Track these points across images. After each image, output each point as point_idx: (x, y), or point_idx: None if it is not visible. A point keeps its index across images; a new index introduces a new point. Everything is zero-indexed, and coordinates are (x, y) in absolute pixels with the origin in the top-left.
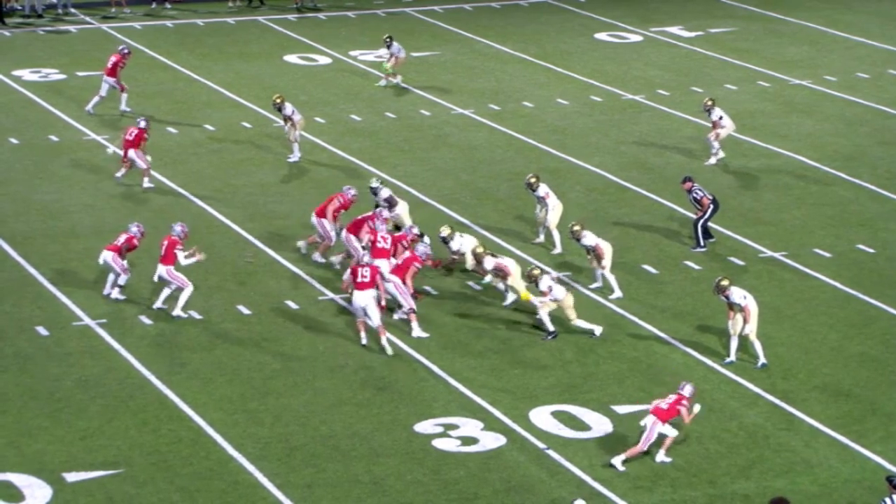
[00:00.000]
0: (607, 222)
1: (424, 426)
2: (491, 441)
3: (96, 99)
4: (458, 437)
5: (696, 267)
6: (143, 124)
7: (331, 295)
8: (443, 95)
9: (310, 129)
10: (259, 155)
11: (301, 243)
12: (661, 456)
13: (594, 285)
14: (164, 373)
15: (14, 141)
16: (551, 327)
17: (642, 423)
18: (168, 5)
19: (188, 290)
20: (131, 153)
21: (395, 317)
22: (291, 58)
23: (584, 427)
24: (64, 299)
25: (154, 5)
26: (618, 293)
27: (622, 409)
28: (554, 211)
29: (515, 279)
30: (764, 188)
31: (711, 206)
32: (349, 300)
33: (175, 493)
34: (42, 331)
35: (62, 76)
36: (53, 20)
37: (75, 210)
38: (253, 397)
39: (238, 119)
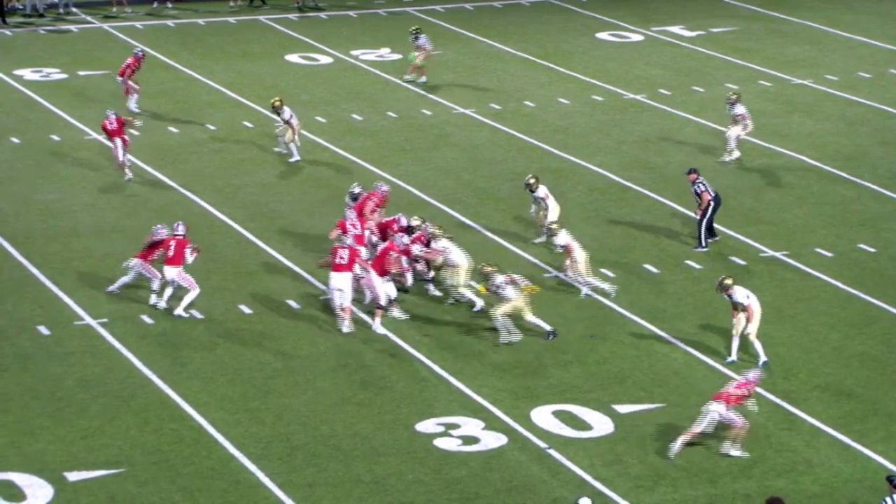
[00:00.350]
0: (609, 222)
1: (426, 426)
2: (492, 440)
3: (135, 97)
4: (460, 436)
5: (698, 266)
6: (112, 117)
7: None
8: (444, 95)
9: (311, 128)
10: (260, 154)
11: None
12: (732, 449)
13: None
14: (165, 372)
15: (15, 140)
16: (547, 326)
17: (705, 408)
18: (169, 5)
19: (195, 292)
20: (118, 142)
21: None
22: (293, 57)
23: (585, 427)
24: (65, 299)
25: (155, 5)
26: (585, 292)
27: (623, 409)
28: (553, 212)
29: (460, 272)
30: (765, 188)
31: (711, 203)
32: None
33: (176, 493)
34: (43, 330)
35: (63, 76)
36: (55, 19)
37: (77, 209)
38: (254, 397)
39: (239, 118)
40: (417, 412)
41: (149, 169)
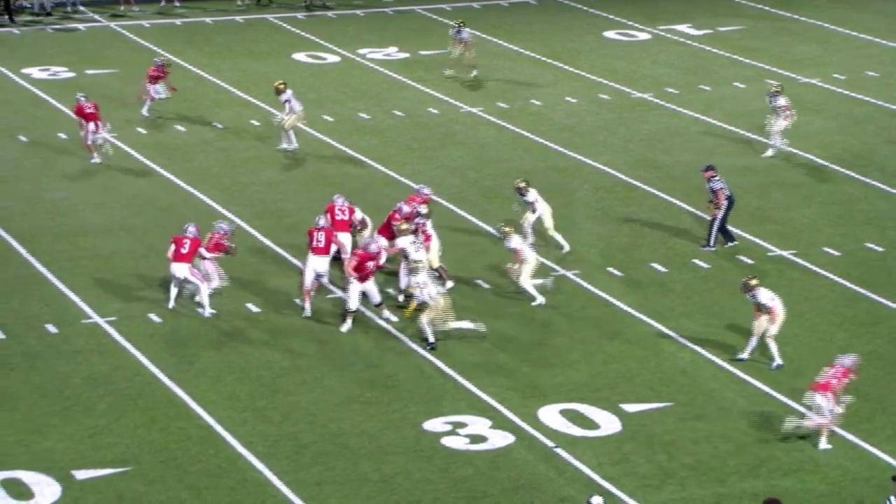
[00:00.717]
0: (615, 220)
1: (433, 424)
2: (499, 439)
3: (163, 95)
4: (467, 435)
5: (705, 265)
6: (82, 100)
7: (339, 293)
8: (451, 93)
9: (318, 126)
10: (267, 153)
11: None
12: (822, 442)
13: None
14: (172, 371)
15: (23, 139)
16: (431, 338)
17: (811, 400)
18: (177, 3)
19: (206, 286)
20: (91, 126)
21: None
22: (300, 56)
23: (592, 426)
24: (73, 297)
25: (163, 3)
26: (540, 300)
27: (631, 408)
28: (546, 215)
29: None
30: (772, 187)
31: (726, 203)
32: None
33: (184, 491)
34: (51, 328)
35: (71, 74)
36: (62, 18)
37: (84, 208)
38: (262, 395)
39: (246, 117)
40: (425, 411)
41: (156, 167)
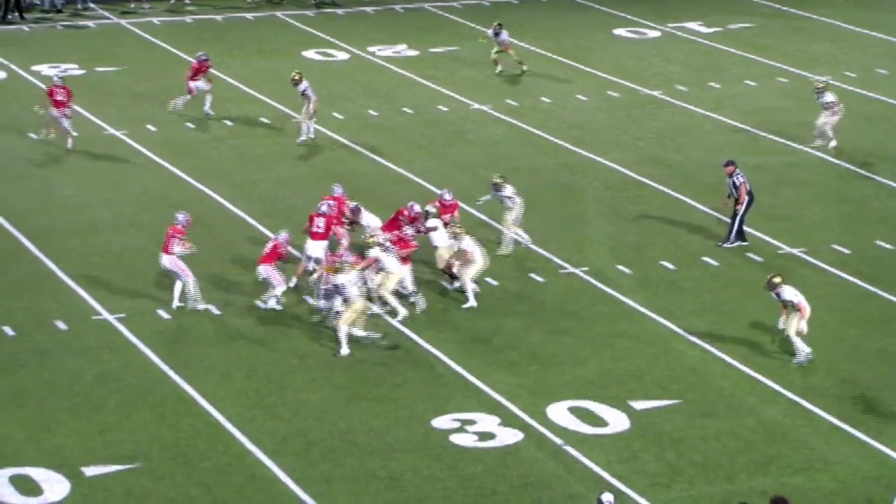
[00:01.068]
0: (625, 218)
1: (441, 422)
2: (508, 437)
3: (205, 88)
4: (475, 432)
5: (714, 263)
6: (57, 81)
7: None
8: (461, 91)
9: (328, 124)
10: (277, 150)
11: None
12: None
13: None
14: (182, 368)
15: (33, 136)
16: (345, 348)
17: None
18: (187, 0)
19: (191, 280)
20: (55, 112)
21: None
22: (310, 53)
23: (601, 423)
24: (82, 294)
25: (173, 1)
26: (472, 303)
27: (640, 406)
28: (517, 209)
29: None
30: (783, 184)
31: (748, 198)
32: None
33: (193, 488)
34: (61, 325)
35: (81, 71)
36: (72, 15)
37: (94, 205)
38: (270, 392)
39: (256, 114)
40: (433, 408)
41: (166, 164)
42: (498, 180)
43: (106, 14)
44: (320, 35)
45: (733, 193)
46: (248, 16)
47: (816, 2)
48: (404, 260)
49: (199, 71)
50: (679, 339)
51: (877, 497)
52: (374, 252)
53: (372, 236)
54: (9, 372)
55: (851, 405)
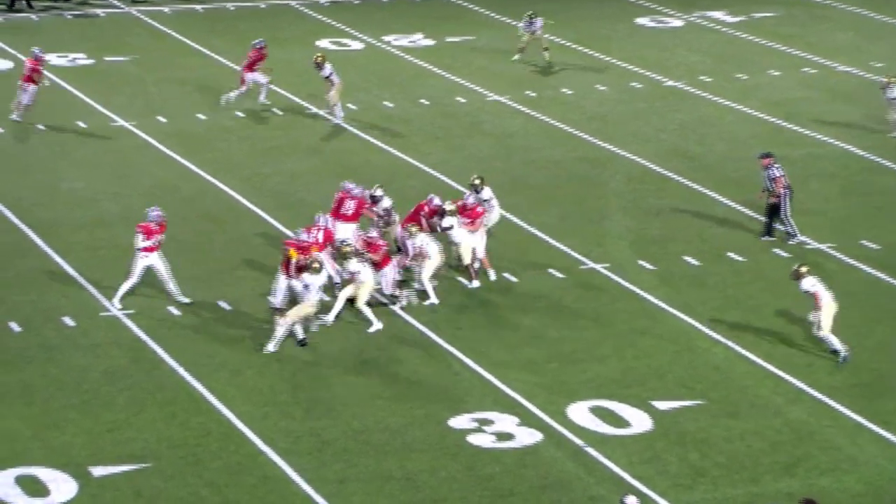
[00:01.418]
0: (647, 212)
1: (458, 421)
2: (527, 437)
3: (263, 81)
4: (493, 432)
5: (739, 258)
6: (37, 53)
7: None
8: (478, 82)
9: (344, 116)
10: (290, 142)
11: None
12: None
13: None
14: (192, 365)
15: (40, 127)
16: (273, 346)
17: None
18: None
19: (130, 282)
20: (31, 88)
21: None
22: (324, 43)
23: (623, 423)
24: (91, 289)
25: None
26: (433, 300)
27: (663, 405)
28: (495, 214)
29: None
30: (809, 178)
31: (785, 191)
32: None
33: (204, 488)
34: (68, 321)
35: (90, 61)
36: (81, 4)
37: (103, 198)
38: (283, 390)
39: (269, 105)
40: (450, 407)
41: (176, 157)
42: (477, 181)
43: (115, 2)
44: (334, 24)
45: (769, 187)
46: (261, 4)
47: None
48: (379, 264)
49: (258, 61)
50: (702, 336)
51: None
52: (354, 266)
53: (347, 245)
54: (15, 368)
55: (879, 404)
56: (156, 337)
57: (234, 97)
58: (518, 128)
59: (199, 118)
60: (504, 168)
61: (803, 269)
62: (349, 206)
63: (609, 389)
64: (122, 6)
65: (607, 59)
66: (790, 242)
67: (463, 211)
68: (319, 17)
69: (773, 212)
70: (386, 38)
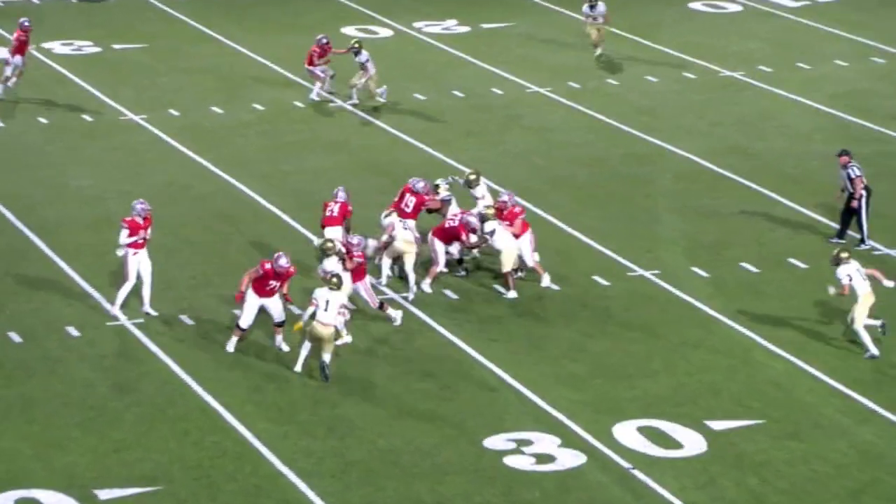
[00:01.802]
0: (700, 214)
1: (495, 441)
2: (569, 459)
3: (319, 85)
4: (533, 454)
5: (802, 265)
6: (26, 24)
7: (391, 294)
8: (516, 72)
9: (368, 108)
10: (312, 137)
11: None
12: None
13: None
14: (207, 379)
15: (43, 121)
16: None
17: None
18: None
19: (128, 285)
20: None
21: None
22: (349, 30)
23: (674, 445)
24: (97, 296)
25: None
26: (413, 292)
27: (718, 425)
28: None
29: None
30: (877, 177)
31: (865, 192)
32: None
33: None
34: (73, 331)
35: (97, 49)
36: None
37: (111, 197)
38: (305, 407)
39: (290, 98)
40: (486, 426)
41: (189, 153)
42: (472, 176)
43: None
44: (361, 9)
45: (848, 187)
46: None
47: None
48: (355, 277)
49: (321, 56)
50: (761, 349)
51: None
52: (331, 265)
53: (330, 242)
54: (16, 382)
55: None
56: (167, 348)
57: (324, 90)
58: (559, 122)
59: (214, 111)
60: (544, 165)
61: (843, 255)
62: (409, 202)
63: (659, 407)
64: None
65: (657, 47)
66: (858, 248)
67: (500, 213)
68: (345, 1)
69: (850, 214)
70: (416, 25)
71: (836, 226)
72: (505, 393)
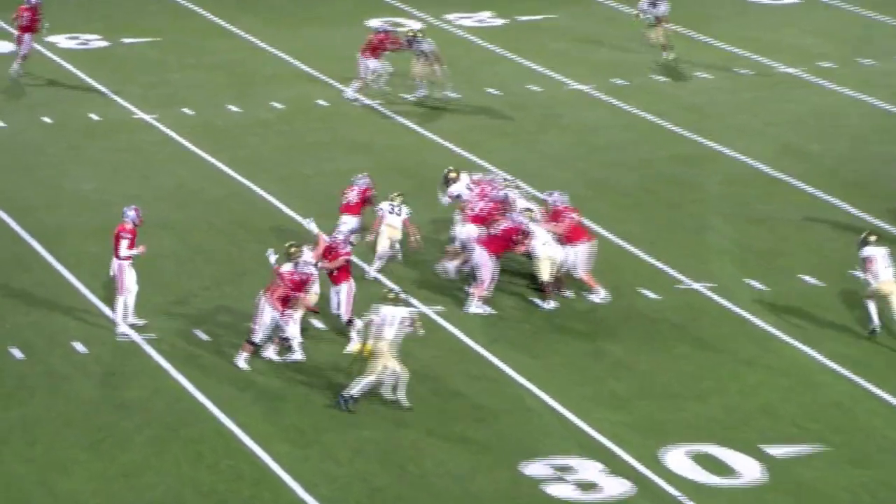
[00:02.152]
0: (754, 221)
1: (534, 468)
2: (615, 487)
3: (381, 71)
4: (575, 481)
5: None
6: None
7: (423, 308)
8: (556, 67)
9: (396, 107)
10: (334, 138)
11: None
12: None
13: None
14: (222, 397)
15: (47, 119)
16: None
17: None
18: None
19: (130, 296)
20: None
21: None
22: (375, 22)
23: (728, 472)
24: (104, 308)
25: None
26: (373, 268)
27: (774, 451)
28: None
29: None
30: None
31: None
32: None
33: None
34: (79, 346)
35: (104, 43)
36: None
37: (118, 202)
38: (327, 428)
39: (311, 96)
40: (523, 451)
41: (202, 154)
42: (452, 174)
43: None
44: (388, 0)
45: None
46: None
47: None
48: (337, 277)
49: (379, 48)
50: (822, 368)
51: None
52: (307, 256)
53: (295, 246)
54: (16, 402)
55: None
56: (179, 365)
57: (380, 82)
58: (602, 122)
59: (228, 109)
60: (585, 169)
61: (872, 238)
62: (480, 206)
63: (711, 431)
64: None
65: (708, 40)
66: None
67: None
68: None
69: None
70: (448, 17)
71: None
72: (544, 414)
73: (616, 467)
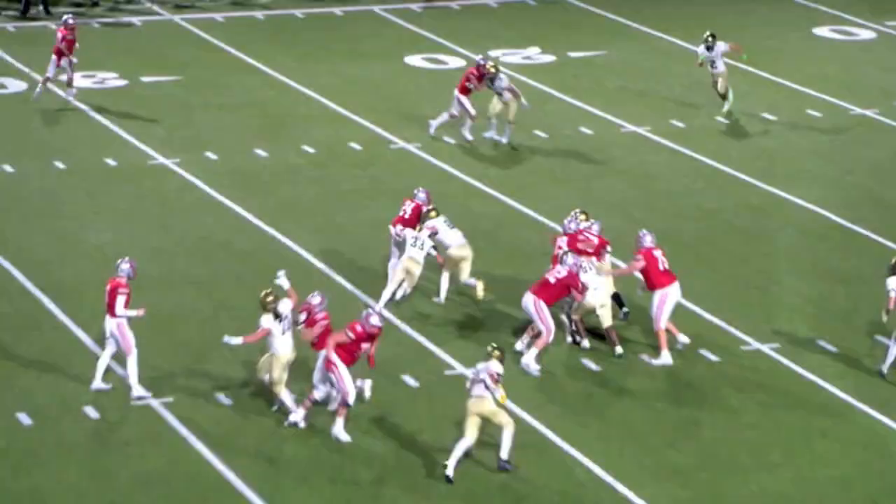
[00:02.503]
0: (829, 276)
1: None
2: None
3: (444, 118)
4: None
5: None
6: (70, 21)
7: (461, 369)
8: (610, 108)
9: (438, 152)
10: (371, 184)
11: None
12: None
13: None
14: (245, 468)
15: (60, 165)
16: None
17: None
18: None
19: (132, 356)
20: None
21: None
22: (414, 59)
23: None
24: (119, 371)
25: None
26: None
27: None
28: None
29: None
30: None
31: None
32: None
33: None
34: (91, 412)
35: (122, 82)
36: (112, 10)
37: (138, 254)
38: (361, 501)
39: (345, 138)
40: None
41: (228, 202)
42: (433, 213)
43: (156, 8)
44: (428, 35)
45: None
46: (337, 10)
47: None
48: (322, 340)
49: (478, 80)
50: None
51: None
52: (284, 307)
53: (270, 295)
54: (24, 472)
55: None
56: (200, 432)
57: (468, 130)
58: (661, 167)
59: (257, 154)
60: (642, 218)
61: None
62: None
63: None
64: (164, 13)
65: (776, 79)
66: None
67: (573, 241)
68: (409, 26)
69: None
70: (493, 54)
71: None
72: (595, 489)
73: None
